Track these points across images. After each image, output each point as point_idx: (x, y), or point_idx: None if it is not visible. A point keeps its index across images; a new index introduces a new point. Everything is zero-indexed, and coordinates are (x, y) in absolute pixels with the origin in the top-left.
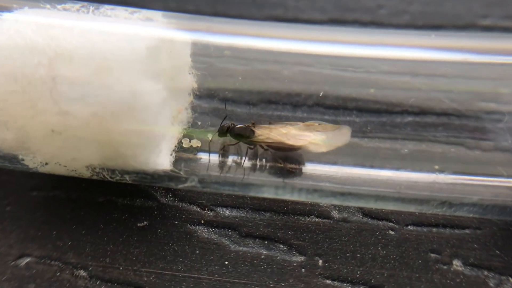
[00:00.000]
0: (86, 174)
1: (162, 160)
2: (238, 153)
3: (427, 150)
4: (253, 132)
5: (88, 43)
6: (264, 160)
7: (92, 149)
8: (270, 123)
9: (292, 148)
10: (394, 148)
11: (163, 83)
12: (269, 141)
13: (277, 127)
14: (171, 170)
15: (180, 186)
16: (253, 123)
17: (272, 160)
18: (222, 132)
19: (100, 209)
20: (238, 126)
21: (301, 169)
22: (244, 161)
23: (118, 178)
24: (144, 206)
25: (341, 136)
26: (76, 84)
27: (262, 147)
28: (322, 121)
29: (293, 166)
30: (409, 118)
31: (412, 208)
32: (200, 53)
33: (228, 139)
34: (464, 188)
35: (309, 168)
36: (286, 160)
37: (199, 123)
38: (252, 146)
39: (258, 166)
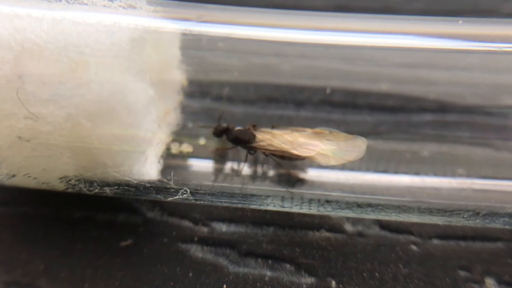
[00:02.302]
0: (60, 187)
1: (148, 169)
2: (236, 159)
3: (449, 152)
4: (254, 136)
5: (60, 35)
6: (265, 166)
7: (66, 158)
8: (273, 127)
9: (296, 158)
10: (412, 150)
11: (149, 80)
12: (271, 148)
13: (281, 133)
14: (159, 180)
15: (170, 198)
16: (254, 126)
17: (275, 166)
18: (218, 133)
19: (77, 226)
20: (237, 128)
21: (307, 176)
22: (243, 167)
23: (97, 191)
24: (128, 222)
25: (354, 148)
26: (47, 83)
27: (264, 153)
28: (330, 120)
29: (298, 172)
30: (428, 116)
31: (439, 220)
32: (191, 45)
33: (224, 143)
34: (494, 195)
35: (317, 174)
36: (290, 165)
37: (190, 125)
38: (252, 152)
39: (259, 173)
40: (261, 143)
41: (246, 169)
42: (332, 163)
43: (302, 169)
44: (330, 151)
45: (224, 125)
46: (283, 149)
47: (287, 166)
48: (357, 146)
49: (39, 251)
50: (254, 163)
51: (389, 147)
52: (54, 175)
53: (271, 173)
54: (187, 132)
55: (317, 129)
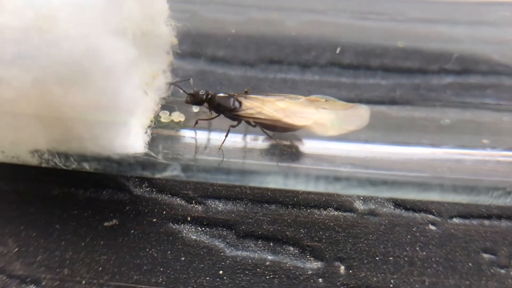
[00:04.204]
0: (32, 161)
1: (133, 142)
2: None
3: (473, 119)
4: (240, 103)
5: None
6: (265, 138)
7: (36, 130)
8: (246, 92)
9: (289, 128)
10: (432, 117)
11: (130, 38)
12: (261, 117)
13: (272, 100)
14: (145, 154)
15: (158, 175)
16: (246, 91)
17: (266, 137)
18: (197, 99)
19: (56, 204)
20: (220, 94)
21: (313, 149)
22: (224, 140)
23: (74, 166)
24: (113, 200)
25: (355, 117)
26: (9, 40)
27: (249, 123)
28: (339, 84)
29: (302, 144)
30: (449, 79)
31: (464, 200)
32: None
33: (203, 111)
34: None
35: (324, 147)
36: (290, 137)
37: (182, 90)
38: (234, 123)
39: (257, 147)
40: (249, 111)
41: (240, 141)
42: (330, 133)
43: (306, 142)
44: (328, 120)
45: (202, 91)
46: (274, 118)
47: (290, 138)
48: (359, 115)
49: (13, 232)
50: (247, 134)
51: (405, 114)
52: (24, 149)
53: (271, 146)
54: (179, 98)
55: (312, 97)
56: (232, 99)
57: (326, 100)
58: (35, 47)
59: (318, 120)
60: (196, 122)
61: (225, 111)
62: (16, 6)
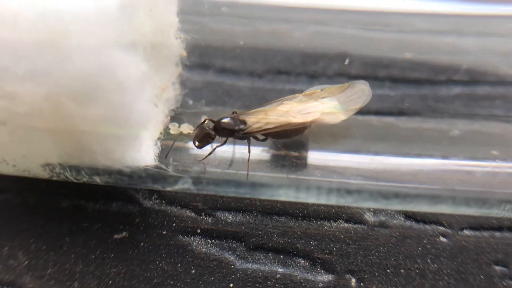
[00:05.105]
0: (43, 175)
1: (144, 154)
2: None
3: (482, 130)
4: (244, 122)
5: None
6: (276, 151)
7: (48, 144)
8: (234, 112)
9: (301, 128)
10: (441, 129)
11: (141, 52)
12: (270, 127)
13: (273, 107)
14: (156, 167)
15: (169, 188)
16: (240, 113)
17: (275, 148)
18: (204, 139)
19: (65, 216)
20: (223, 120)
21: (324, 161)
22: (249, 156)
23: (85, 179)
24: (123, 212)
25: (357, 94)
26: (22, 55)
27: (256, 138)
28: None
29: (312, 156)
30: (457, 90)
31: (476, 212)
32: (190, 10)
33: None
34: None
35: (334, 158)
36: (291, 147)
37: (191, 102)
38: (245, 138)
39: (269, 160)
40: (256, 126)
41: (238, 155)
42: (341, 118)
43: (317, 154)
44: (333, 107)
45: (206, 127)
46: (283, 123)
47: (299, 149)
48: (359, 91)
49: (23, 245)
50: (257, 147)
51: (414, 125)
52: (36, 162)
53: (281, 158)
54: (188, 110)
55: (307, 91)
56: (236, 120)
57: (322, 90)
58: (48, 62)
59: (325, 110)
60: (210, 152)
61: (233, 133)
62: (29, 21)
